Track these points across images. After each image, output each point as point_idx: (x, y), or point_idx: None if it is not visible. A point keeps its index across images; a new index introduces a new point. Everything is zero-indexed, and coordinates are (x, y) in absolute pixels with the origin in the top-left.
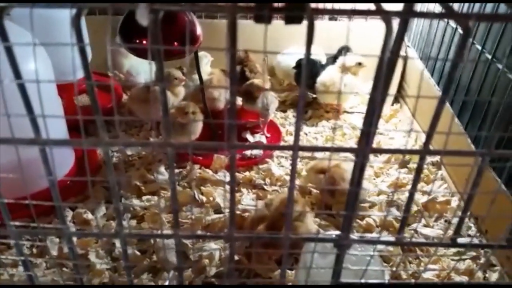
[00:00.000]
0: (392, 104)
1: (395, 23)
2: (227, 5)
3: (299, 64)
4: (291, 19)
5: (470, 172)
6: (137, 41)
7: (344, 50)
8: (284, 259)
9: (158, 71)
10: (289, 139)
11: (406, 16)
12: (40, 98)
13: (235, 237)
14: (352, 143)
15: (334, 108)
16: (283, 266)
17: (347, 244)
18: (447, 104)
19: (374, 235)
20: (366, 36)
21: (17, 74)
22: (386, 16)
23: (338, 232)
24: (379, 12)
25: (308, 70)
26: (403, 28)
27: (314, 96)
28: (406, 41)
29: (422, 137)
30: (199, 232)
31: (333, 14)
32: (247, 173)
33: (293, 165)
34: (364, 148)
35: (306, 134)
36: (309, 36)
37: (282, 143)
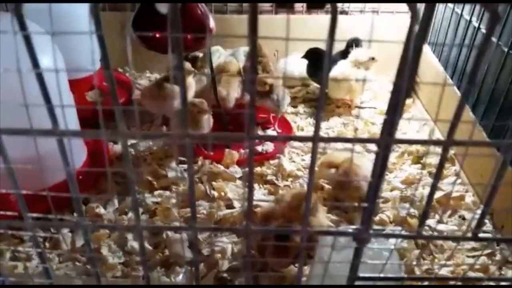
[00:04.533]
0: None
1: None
2: None
3: (309, 52)
4: (313, 4)
5: (494, 164)
6: (150, 34)
7: (355, 42)
8: (301, 253)
9: (178, 61)
10: (300, 134)
11: (432, 1)
12: (59, 88)
13: (252, 231)
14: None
15: (345, 103)
16: (300, 260)
17: (367, 238)
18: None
19: (392, 228)
20: (375, 29)
21: (35, 64)
22: (412, 3)
23: (353, 226)
24: None
25: (318, 62)
26: (429, 15)
27: (326, 90)
28: None
29: (436, 131)
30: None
31: (357, 1)
32: (258, 168)
33: (313, 156)
34: (387, 138)
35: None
36: (332, 22)
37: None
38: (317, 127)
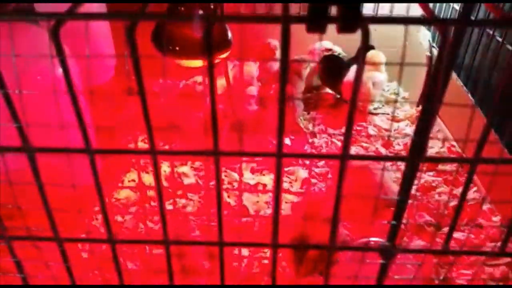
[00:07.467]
0: (418, 105)
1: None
2: (281, 15)
3: (323, 59)
4: (345, 28)
5: None
6: (170, 47)
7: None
8: (327, 269)
9: (210, 79)
10: (314, 141)
11: (463, 25)
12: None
13: (280, 245)
14: (378, 145)
15: (358, 109)
16: (325, 272)
17: (393, 254)
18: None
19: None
20: (386, 34)
21: (70, 85)
22: (442, 25)
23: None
24: (435, 21)
25: (331, 69)
26: (458, 37)
27: (338, 96)
28: (431, 42)
29: (451, 139)
30: (242, 241)
31: (388, 23)
32: (272, 176)
33: (341, 175)
34: (417, 158)
35: (330, 136)
36: (364, 44)
37: (306, 147)
38: (345, 145)
